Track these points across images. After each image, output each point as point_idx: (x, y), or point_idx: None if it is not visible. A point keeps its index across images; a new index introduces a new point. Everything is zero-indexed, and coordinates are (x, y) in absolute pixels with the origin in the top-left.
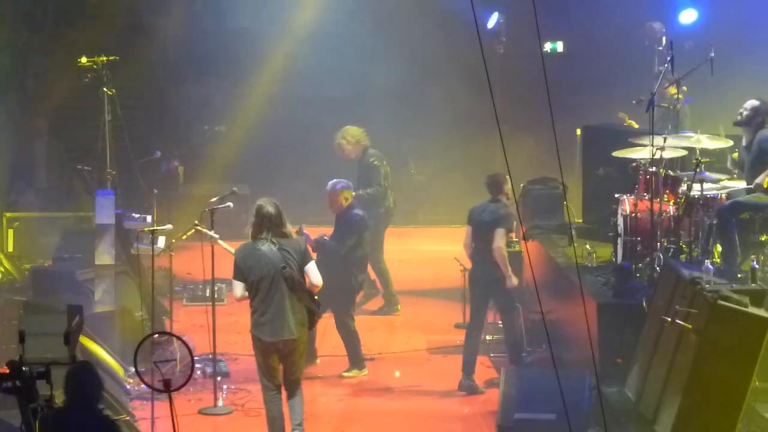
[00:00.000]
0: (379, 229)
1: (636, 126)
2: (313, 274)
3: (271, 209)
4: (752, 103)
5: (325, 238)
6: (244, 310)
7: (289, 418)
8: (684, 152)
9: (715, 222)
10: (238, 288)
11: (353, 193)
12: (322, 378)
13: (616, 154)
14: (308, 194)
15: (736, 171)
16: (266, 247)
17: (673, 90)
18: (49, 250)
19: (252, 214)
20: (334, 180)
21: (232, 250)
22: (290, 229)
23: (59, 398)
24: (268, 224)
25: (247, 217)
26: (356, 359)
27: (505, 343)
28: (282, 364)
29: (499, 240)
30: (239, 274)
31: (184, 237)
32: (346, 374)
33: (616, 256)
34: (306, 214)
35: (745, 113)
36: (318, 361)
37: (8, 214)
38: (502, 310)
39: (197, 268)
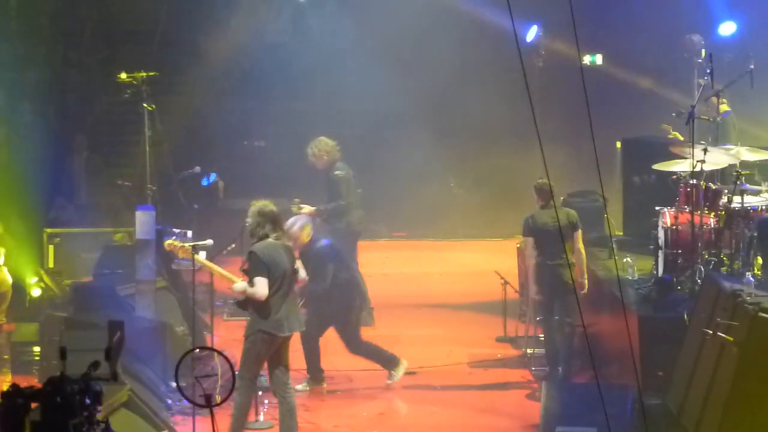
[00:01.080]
0: (341, 244)
1: (681, 138)
2: (302, 270)
3: (274, 208)
4: None
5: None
6: None
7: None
8: (724, 164)
9: (755, 234)
10: (264, 285)
11: (309, 227)
12: (362, 390)
13: (656, 166)
14: None
15: None
16: (280, 244)
17: (713, 102)
18: (90, 266)
19: (248, 217)
20: (292, 219)
21: (212, 265)
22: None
23: (101, 414)
24: (278, 222)
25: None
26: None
27: (546, 353)
28: (276, 357)
29: (581, 241)
30: (265, 270)
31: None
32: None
33: (657, 269)
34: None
35: None
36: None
37: (48, 230)
38: (563, 314)
39: None
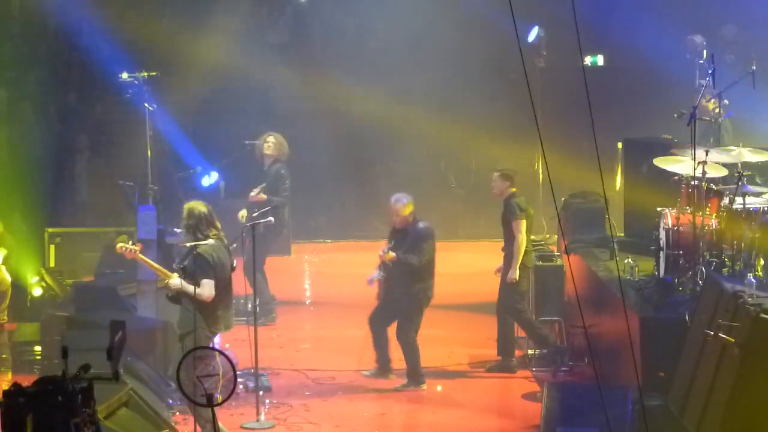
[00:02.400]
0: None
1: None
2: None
3: (206, 209)
4: None
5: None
6: (285, 325)
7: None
8: (725, 170)
9: (757, 235)
10: (211, 287)
11: (412, 203)
12: (364, 390)
13: (657, 161)
14: (348, 207)
15: None
16: (222, 244)
17: (713, 104)
18: (91, 266)
19: (184, 218)
20: (398, 194)
21: (150, 262)
22: None
23: (102, 413)
24: (213, 222)
25: (289, 232)
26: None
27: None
28: None
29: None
30: (212, 272)
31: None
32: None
33: (658, 270)
34: (349, 226)
35: None
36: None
37: (50, 230)
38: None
39: (239, 283)
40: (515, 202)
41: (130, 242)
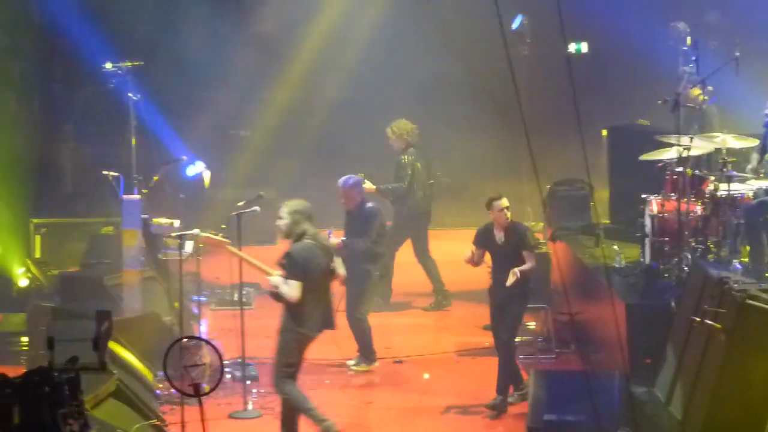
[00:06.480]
0: (409, 225)
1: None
2: (340, 269)
3: (308, 206)
4: None
5: (344, 240)
6: (271, 314)
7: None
8: (710, 150)
9: (742, 221)
10: (297, 288)
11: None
12: (350, 379)
13: (643, 157)
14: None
15: (762, 170)
16: (317, 244)
17: (697, 91)
18: (77, 256)
19: (281, 217)
20: (345, 176)
21: (246, 256)
22: None
23: (89, 404)
24: (313, 220)
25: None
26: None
27: None
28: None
29: None
30: (301, 273)
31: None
32: (353, 365)
33: (643, 257)
34: (331, 217)
35: None
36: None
37: (35, 221)
38: None
39: (225, 272)
40: (529, 232)
41: (220, 234)
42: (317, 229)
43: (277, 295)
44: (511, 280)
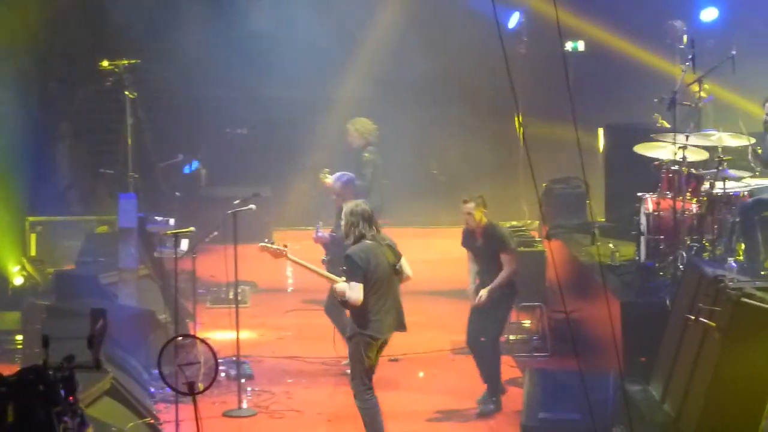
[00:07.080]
0: None
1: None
2: (406, 267)
3: (366, 207)
4: None
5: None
6: (267, 312)
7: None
8: (706, 154)
9: (738, 220)
10: (358, 290)
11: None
12: (345, 377)
13: (637, 148)
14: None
15: (758, 168)
16: (377, 244)
17: (695, 88)
18: (72, 254)
19: (342, 219)
20: (339, 173)
21: (309, 265)
22: None
23: (84, 402)
24: (372, 221)
25: (269, 220)
26: None
27: None
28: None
29: None
30: (361, 275)
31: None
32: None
33: (639, 255)
34: (327, 215)
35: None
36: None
37: (30, 218)
38: None
39: (220, 270)
40: (506, 235)
41: (279, 244)
42: (377, 230)
43: (345, 303)
44: (482, 301)
